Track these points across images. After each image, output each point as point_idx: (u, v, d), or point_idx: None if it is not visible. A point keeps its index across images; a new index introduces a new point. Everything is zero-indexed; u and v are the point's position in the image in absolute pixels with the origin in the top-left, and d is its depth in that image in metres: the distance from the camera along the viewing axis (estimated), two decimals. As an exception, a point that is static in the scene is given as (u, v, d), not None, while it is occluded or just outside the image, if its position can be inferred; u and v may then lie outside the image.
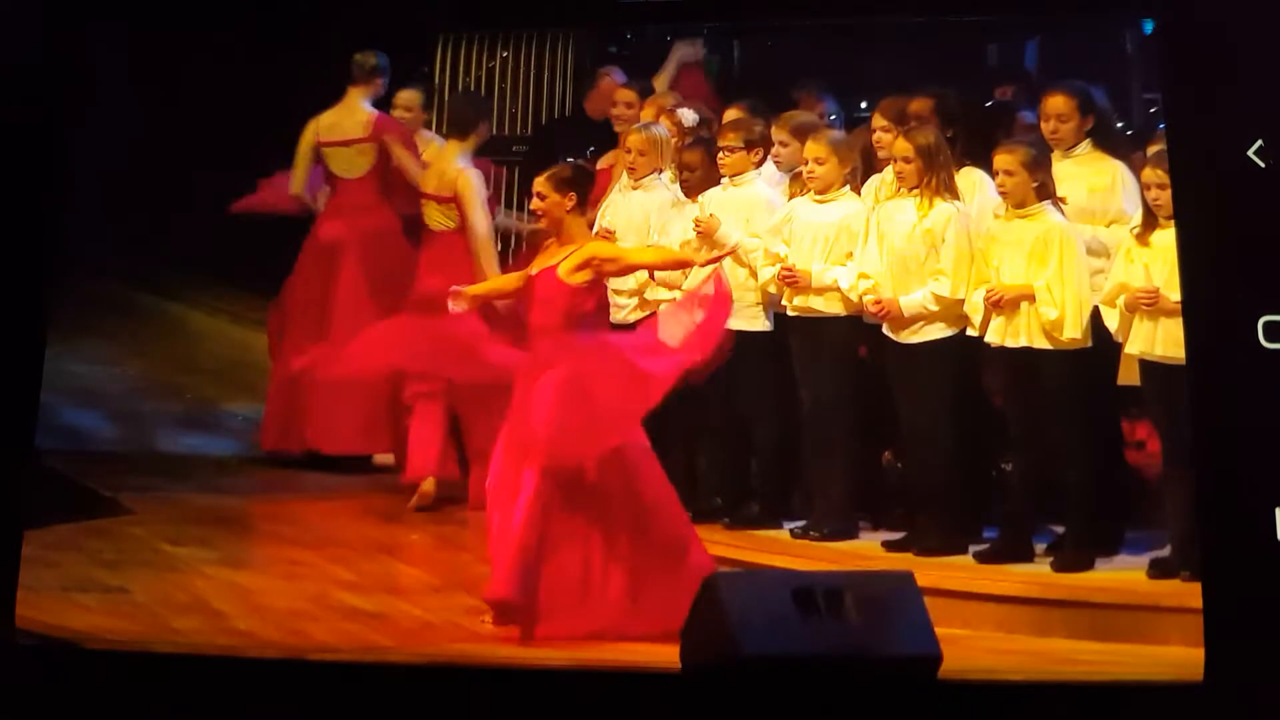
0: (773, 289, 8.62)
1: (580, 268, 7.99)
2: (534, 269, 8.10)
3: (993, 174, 8.28)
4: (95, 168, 8.62)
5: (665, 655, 7.29)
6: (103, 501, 9.11)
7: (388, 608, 8.21)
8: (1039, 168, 8.17)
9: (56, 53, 8.09)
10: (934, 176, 8.34)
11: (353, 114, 9.59)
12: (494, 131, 10.29)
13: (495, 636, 7.89)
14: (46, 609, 8.00)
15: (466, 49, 10.21)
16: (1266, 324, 7.11)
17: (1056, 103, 8.44)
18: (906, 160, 8.36)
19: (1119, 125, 8.72)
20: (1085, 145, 8.44)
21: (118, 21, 8.40)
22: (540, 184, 8.11)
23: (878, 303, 8.40)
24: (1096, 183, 8.39)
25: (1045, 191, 8.17)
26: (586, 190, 8.18)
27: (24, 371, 7.95)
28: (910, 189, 8.39)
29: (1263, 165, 7.21)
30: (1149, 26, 8.96)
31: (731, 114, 8.92)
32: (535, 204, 8.14)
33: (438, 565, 8.75)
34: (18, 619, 7.71)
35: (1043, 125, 8.45)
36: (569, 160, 8.48)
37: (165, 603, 8.25)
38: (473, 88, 10.30)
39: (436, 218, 9.42)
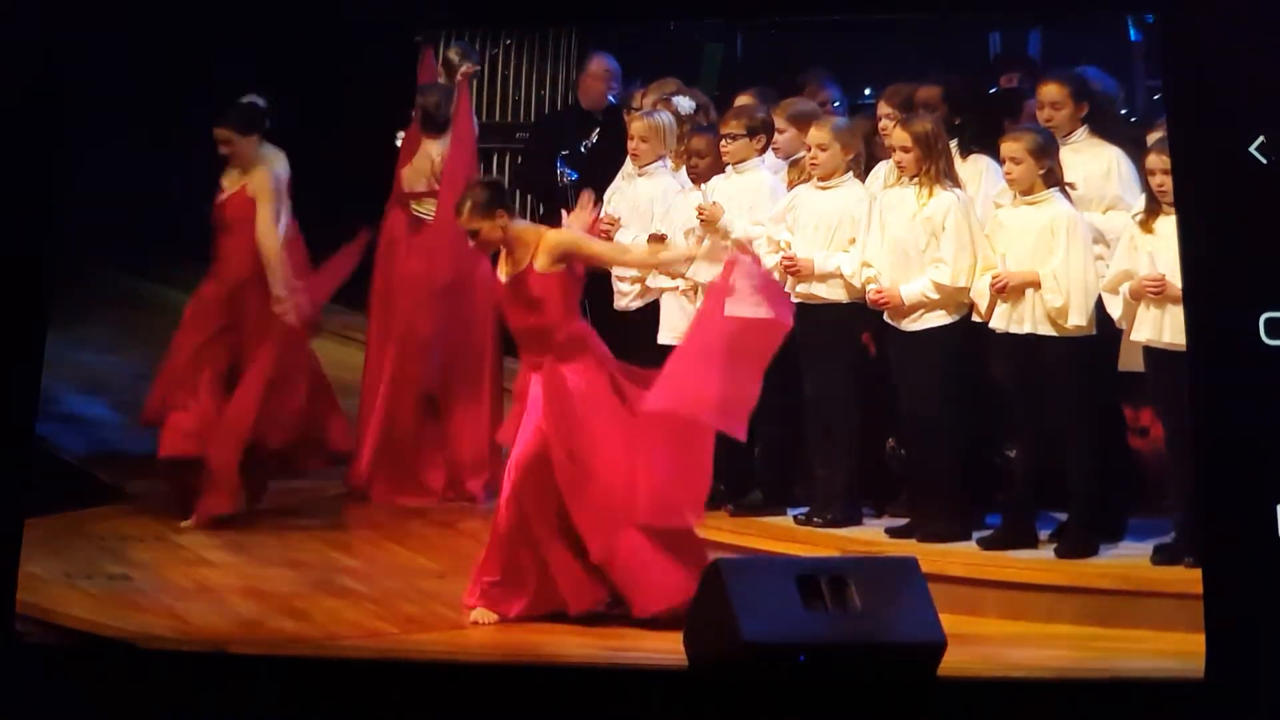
0: (776, 276, 8.60)
1: (555, 259, 7.96)
2: (504, 278, 8.01)
3: (1000, 161, 8.28)
4: (99, 155, 8.62)
5: (670, 647, 7.31)
6: (105, 489, 9.11)
7: (391, 594, 8.21)
8: (1045, 154, 8.16)
9: (58, 42, 8.09)
10: (933, 165, 8.34)
11: None
12: (496, 119, 10.30)
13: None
14: (48, 596, 8.02)
15: (469, 38, 10.17)
16: (1268, 321, 7.11)
17: (1050, 90, 8.45)
18: (905, 149, 8.37)
19: (1122, 111, 8.71)
20: (1082, 132, 8.44)
21: (120, 14, 8.39)
22: (467, 222, 7.96)
23: (879, 291, 8.40)
24: (1093, 169, 8.38)
25: (1052, 178, 8.16)
26: (506, 198, 8.12)
27: (26, 358, 7.95)
28: (911, 178, 8.39)
29: (1264, 162, 7.21)
30: (1151, 20, 8.97)
31: (740, 100, 8.92)
32: (475, 243, 8.02)
33: (441, 551, 8.76)
34: (19, 605, 7.72)
35: (1038, 113, 8.47)
36: (475, 182, 8.31)
37: (168, 589, 8.26)
38: (474, 76, 10.26)
39: (429, 210, 9.44)
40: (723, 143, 8.72)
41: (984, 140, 8.51)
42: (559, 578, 7.90)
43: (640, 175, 8.90)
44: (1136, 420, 8.50)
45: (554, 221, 8.40)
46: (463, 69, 9.43)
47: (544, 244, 7.96)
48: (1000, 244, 8.24)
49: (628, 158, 8.95)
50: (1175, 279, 7.76)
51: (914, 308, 8.37)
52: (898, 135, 8.40)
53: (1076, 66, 8.67)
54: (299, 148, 9.13)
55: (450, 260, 9.23)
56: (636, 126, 8.88)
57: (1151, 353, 7.98)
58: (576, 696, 7.21)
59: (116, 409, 9.58)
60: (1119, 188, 8.34)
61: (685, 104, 9.01)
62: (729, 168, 8.75)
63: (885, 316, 8.45)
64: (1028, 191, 8.18)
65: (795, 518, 8.62)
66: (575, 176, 9.46)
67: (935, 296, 8.33)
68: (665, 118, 8.90)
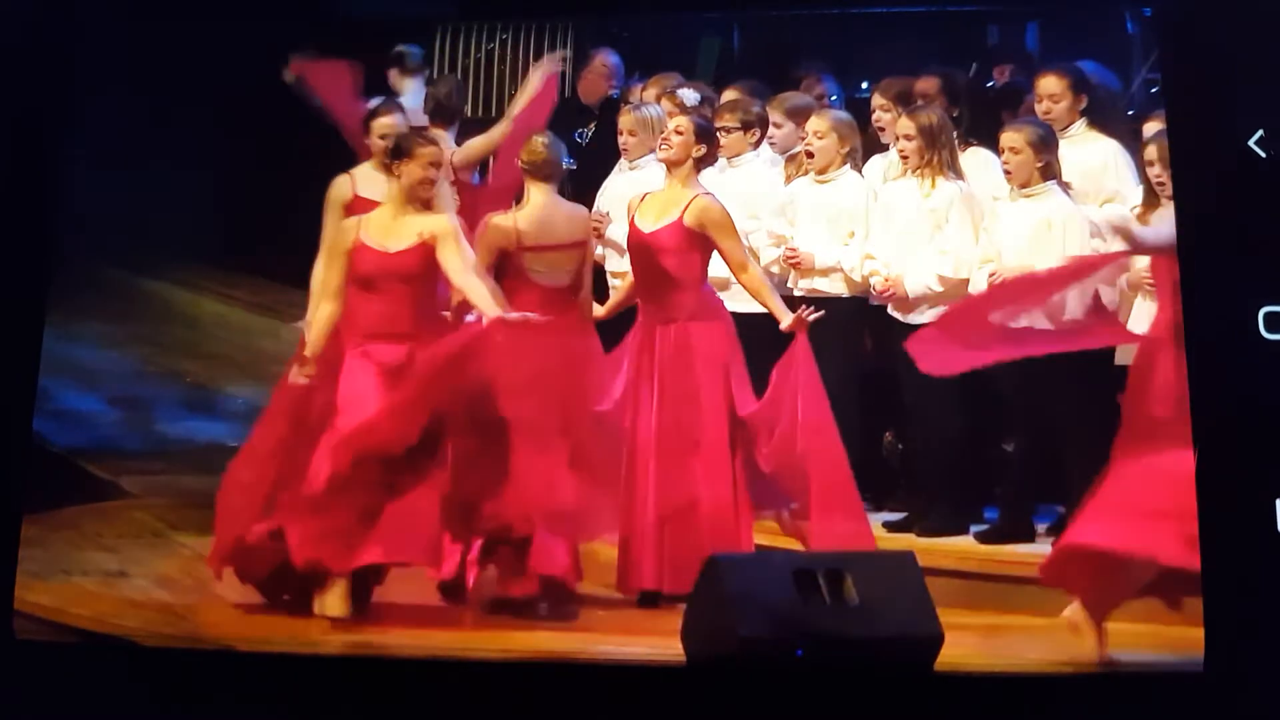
0: (776, 269, 8.60)
1: (700, 222, 8.14)
2: (649, 228, 8.15)
3: (999, 153, 8.27)
4: (98, 151, 8.62)
5: (667, 643, 7.31)
6: (102, 485, 9.11)
7: (388, 590, 8.20)
8: (1045, 148, 8.17)
9: (56, 36, 8.09)
10: (936, 155, 8.34)
11: None
12: (493, 114, 10.28)
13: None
14: (46, 593, 8.01)
15: (465, 33, 10.17)
16: (1267, 315, 7.11)
17: (1048, 83, 8.48)
18: (908, 138, 8.38)
19: (1120, 103, 8.72)
20: (1080, 125, 8.47)
21: (120, 7, 8.39)
22: (685, 121, 8.23)
23: (887, 280, 8.40)
24: (1090, 162, 8.39)
25: (1050, 171, 8.17)
26: (712, 150, 8.31)
27: (23, 354, 7.95)
28: (914, 169, 8.39)
29: (1263, 155, 7.21)
30: (1149, 13, 8.97)
31: (729, 94, 8.91)
32: (669, 135, 8.23)
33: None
34: (17, 603, 7.71)
35: (1036, 106, 8.48)
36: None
37: (167, 586, 8.25)
38: (470, 71, 10.26)
39: None
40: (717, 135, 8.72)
41: (980, 133, 8.51)
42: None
43: (632, 169, 8.89)
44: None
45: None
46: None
47: (697, 204, 8.12)
48: (997, 237, 8.24)
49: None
50: (1172, 271, 7.78)
51: (919, 300, 8.37)
52: (902, 124, 8.42)
53: (1076, 60, 8.68)
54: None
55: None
56: (625, 121, 8.86)
57: (1149, 345, 7.98)
58: (574, 693, 7.21)
59: (113, 405, 9.57)
60: (1117, 181, 8.35)
61: (691, 96, 8.98)
62: (722, 161, 8.73)
63: (889, 309, 8.45)
64: (1025, 184, 8.18)
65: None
66: (570, 163, 9.46)
67: (939, 289, 8.33)
68: (654, 111, 8.87)
